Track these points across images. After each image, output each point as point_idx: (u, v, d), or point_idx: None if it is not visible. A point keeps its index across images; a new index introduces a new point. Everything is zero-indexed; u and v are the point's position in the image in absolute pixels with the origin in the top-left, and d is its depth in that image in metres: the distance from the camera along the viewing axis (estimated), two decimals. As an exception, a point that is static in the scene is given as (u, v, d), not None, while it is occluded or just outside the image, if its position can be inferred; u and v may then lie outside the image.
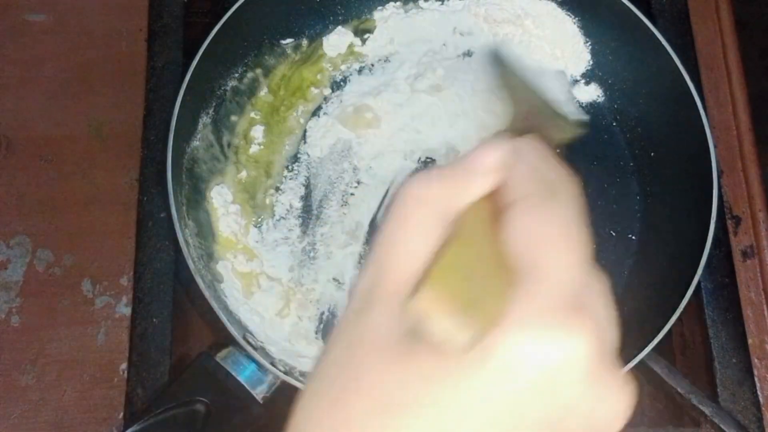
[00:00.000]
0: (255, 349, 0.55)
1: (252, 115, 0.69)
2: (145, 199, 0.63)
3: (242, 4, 0.64)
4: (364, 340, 0.26)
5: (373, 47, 0.74)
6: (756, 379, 0.62)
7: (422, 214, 0.27)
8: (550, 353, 0.23)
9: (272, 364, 0.55)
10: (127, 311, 0.60)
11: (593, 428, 0.25)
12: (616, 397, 0.25)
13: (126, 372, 0.58)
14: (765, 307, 0.64)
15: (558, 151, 0.32)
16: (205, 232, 0.63)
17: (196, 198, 0.63)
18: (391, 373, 0.24)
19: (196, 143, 0.64)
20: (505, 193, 0.28)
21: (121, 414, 0.57)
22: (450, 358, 0.24)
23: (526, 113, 0.41)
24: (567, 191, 0.28)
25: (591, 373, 0.24)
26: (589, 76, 0.73)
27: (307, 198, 0.68)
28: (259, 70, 0.70)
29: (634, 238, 0.68)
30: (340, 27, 0.73)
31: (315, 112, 0.71)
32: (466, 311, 0.24)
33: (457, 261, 0.26)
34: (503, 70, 0.47)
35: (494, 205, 0.28)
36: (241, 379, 0.55)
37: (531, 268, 0.25)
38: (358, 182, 0.68)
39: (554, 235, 0.26)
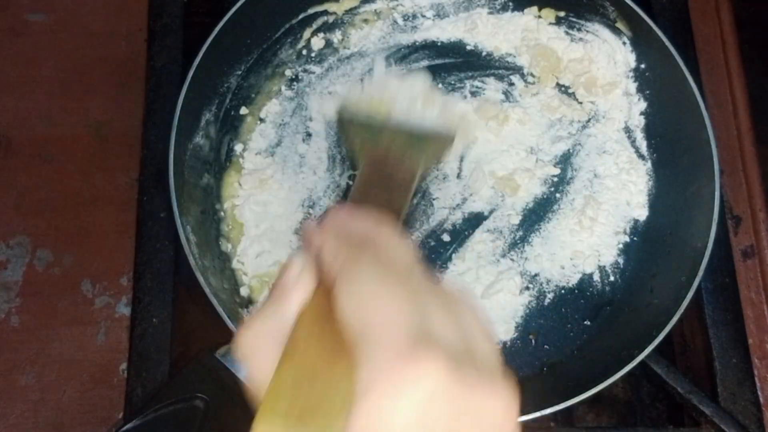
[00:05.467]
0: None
1: (257, 113, 0.70)
2: (145, 198, 0.63)
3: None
4: None
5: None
6: (756, 379, 0.62)
7: (257, 348, 0.29)
8: (404, 403, 0.24)
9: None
10: (127, 311, 0.60)
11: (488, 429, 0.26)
12: (489, 399, 0.26)
13: (126, 372, 0.58)
14: (765, 307, 0.64)
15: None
16: (208, 230, 0.63)
17: (198, 193, 0.63)
18: None
19: (198, 140, 0.64)
20: (328, 274, 0.29)
21: (121, 414, 0.57)
22: None
23: (381, 160, 0.45)
24: (379, 238, 0.30)
25: (453, 394, 0.25)
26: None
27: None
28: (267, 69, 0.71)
29: (636, 239, 0.68)
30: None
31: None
32: (304, 415, 0.26)
33: (290, 372, 0.27)
34: (349, 125, 0.49)
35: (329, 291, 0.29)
36: (240, 376, 0.54)
37: (362, 334, 0.26)
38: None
39: (373, 293, 0.27)
